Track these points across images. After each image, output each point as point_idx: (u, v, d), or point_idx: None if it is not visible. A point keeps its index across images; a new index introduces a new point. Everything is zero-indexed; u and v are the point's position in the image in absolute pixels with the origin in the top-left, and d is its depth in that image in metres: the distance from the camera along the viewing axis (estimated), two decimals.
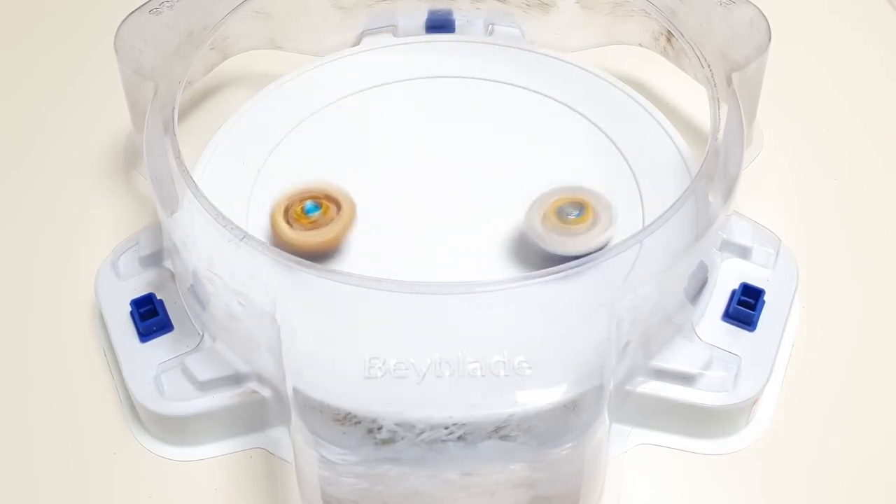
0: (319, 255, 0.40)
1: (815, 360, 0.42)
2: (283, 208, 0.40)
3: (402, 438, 0.34)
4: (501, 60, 0.48)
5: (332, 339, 0.36)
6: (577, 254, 0.38)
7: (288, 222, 0.40)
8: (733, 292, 0.41)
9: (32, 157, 0.50)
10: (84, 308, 0.44)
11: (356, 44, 0.50)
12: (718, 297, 0.41)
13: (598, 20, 0.49)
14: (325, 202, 0.41)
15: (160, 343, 0.40)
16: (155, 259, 0.42)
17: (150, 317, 0.40)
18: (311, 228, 0.40)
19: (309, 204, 0.40)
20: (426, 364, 0.35)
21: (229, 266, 0.37)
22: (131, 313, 0.41)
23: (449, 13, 0.50)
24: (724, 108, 0.41)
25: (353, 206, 0.41)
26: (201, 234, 0.38)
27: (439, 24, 0.50)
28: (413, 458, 0.34)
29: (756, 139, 0.48)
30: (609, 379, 0.35)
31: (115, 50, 0.43)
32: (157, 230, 0.43)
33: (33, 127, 0.51)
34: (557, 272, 0.35)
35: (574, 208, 0.40)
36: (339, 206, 0.40)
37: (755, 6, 0.44)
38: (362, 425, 0.34)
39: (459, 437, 0.34)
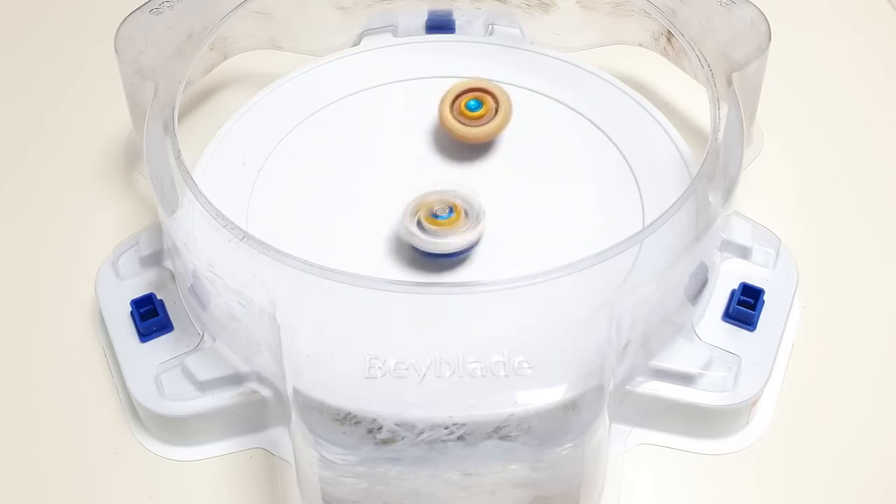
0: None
1: (815, 360, 0.42)
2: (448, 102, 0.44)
3: (402, 438, 0.34)
4: (501, 60, 0.48)
5: (332, 339, 0.36)
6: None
7: (454, 116, 0.43)
8: (733, 292, 0.41)
9: (32, 157, 0.50)
10: (84, 308, 0.44)
11: (356, 44, 0.50)
12: (718, 297, 0.41)
13: (598, 20, 0.49)
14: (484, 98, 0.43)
15: (160, 343, 0.40)
16: (155, 259, 0.42)
17: (150, 317, 0.41)
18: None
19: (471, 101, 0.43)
20: (426, 364, 0.35)
21: (229, 266, 0.37)
22: (131, 313, 0.41)
23: (449, 13, 0.50)
24: (724, 108, 0.41)
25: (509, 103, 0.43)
26: (201, 234, 0.38)
27: (439, 24, 0.50)
28: (413, 458, 0.34)
29: (756, 139, 0.48)
30: (609, 379, 0.35)
31: (116, 50, 0.43)
32: (157, 230, 0.43)
33: (33, 127, 0.51)
34: (557, 272, 0.35)
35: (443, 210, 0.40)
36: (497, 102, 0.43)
37: (755, 6, 0.44)
38: (362, 425, 0.34)
39: (459, 437, 0.34)
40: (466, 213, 0.40)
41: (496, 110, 0.44)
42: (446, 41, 0.49)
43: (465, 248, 0.39)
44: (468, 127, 0.43)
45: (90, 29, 0.56)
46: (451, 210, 0.40)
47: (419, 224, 0.39)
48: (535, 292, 0.35)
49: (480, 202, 0.40)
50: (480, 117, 0.43)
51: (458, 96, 0.44)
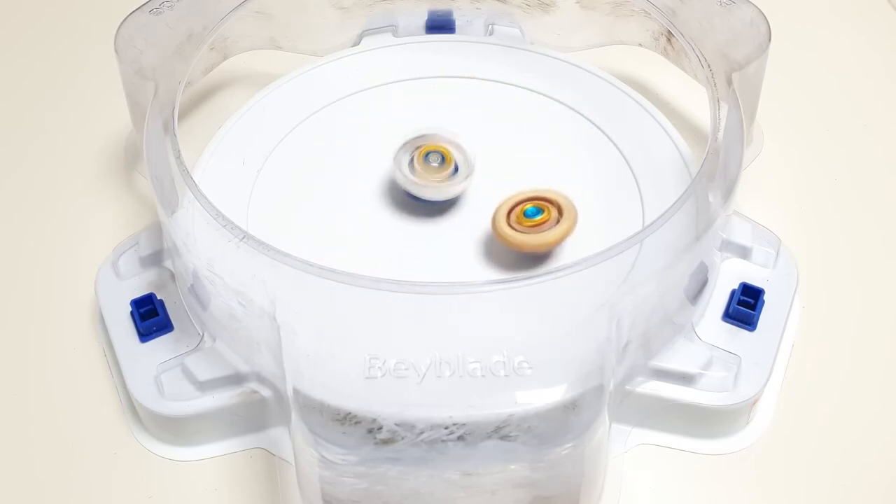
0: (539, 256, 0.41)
1: (815, 360, 0.42)
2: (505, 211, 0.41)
3: (402, 438, 0.34)
4: (501, 60, 0.48)
5: (332, 339, 0.36)
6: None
7: (510, 224, 0.40)
8: (733, 292, 0.41)
9: (32, 157, 0.50)
10: (84, 308, 0.44)
11: (356, 44, 0.50)
12: (718, 297, 0.41)
13: (598, 20, 0.49)
14: (546, 205, 0.40)
15: (160, 343, 0.40)
16: (155, 259, 0.42)
17: (150, 317, 0.41)
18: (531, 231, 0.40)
19: (530, 208, 0.40)
20: (426, 364, 0.35)
21: (229, 266, 0.37)
22: (131, 313, 0.41)
23: (449, 13, 0.50)
24: (724, 108, 0.41)
25: (574, 212, 0.40)
26: (201, 234, 0.38)
27: (439, 24, 0.50)
28: (413, 458, 0.34)
29: (756, 139, 0.48)
30: (609, 379, 0.35)
31: (116, 50, 0.43)
32: (157, 230, 0.43)
33: (33, 127, 0.51)
34: (557, 272, 0.35)
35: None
36: (560, 211, 0.40)
37: (755, 6, 0.44)
38: (362, 425, 0.34)
39: (459, 437, 0.34)
40: (457, 164, 0.41)
41: (559, 218, 0.40)
42: (446, 41, 0.49)
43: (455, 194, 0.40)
44: (523, 234, 0.40)
45: (90, 29, 0.56)
46: (444, 158, 0.40)
47: (410, 165, 0.40)
48: (535, 292, 0.35)
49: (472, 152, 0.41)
50: (541, 224, 0.40)
51: (515, 206, 0.41)
